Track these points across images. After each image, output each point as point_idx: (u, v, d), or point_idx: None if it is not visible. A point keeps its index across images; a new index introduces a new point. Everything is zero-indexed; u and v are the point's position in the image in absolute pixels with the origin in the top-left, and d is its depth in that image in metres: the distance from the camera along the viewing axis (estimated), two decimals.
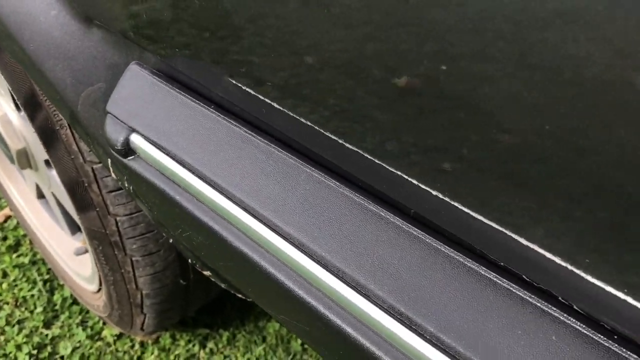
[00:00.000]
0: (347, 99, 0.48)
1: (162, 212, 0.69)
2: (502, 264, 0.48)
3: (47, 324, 1.56)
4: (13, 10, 0.78)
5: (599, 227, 0.38)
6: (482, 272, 0.47)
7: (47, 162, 1.24)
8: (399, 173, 0.48)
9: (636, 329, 0.41)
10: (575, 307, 0.45)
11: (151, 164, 0.65)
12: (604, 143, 0.34)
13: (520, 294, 0.45)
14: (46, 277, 1.65)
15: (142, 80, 0.68)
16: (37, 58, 0.78)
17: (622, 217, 0.36)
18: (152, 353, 1.50)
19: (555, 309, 0.44)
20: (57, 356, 1.49)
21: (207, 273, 0.98)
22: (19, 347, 1.49)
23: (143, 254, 1.04)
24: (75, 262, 1.42)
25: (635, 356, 0.42)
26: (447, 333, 0.46)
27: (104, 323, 1.54)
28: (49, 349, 1.50)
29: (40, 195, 1.54)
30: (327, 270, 0.52)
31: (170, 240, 0.95)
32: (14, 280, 1.64)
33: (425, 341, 0.46)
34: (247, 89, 0.57)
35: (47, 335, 1.53)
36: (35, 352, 1.49)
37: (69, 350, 1.50)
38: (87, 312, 1.58)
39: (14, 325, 1.54)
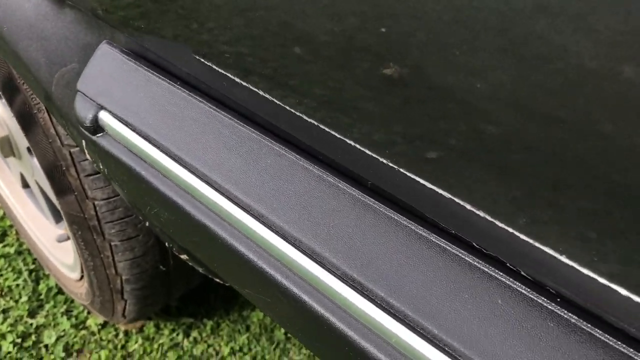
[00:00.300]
0: (302, 69, 0.49)
1: (131, 189, 0.70)
2: (452, 232, 0.49)
3: (32, 313, 1.56)
4: None
5: (548, 199, 0.39)
6: (433, 240, 0.48)
7: (29, 150, 1.25)
8: (356, 145, 0.49)
9: (578, 291, 0.42)
10: (522, 272, 0.46)
11: (119, 141, 0.66)
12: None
13: (469, 260, 0.46)
14: (32, 267, 1.66)
15: (112, 59, 0.69)
16: (11, 39, 0.79)
17: (562, 183, 0.37)
18: (136, 342, 1.50)
19: (502, 274, 0.45)
20: (42, 345, 1.50)
21: (184, 257, 0.99)
22: (3, 336, 1.49)
23: (122, 238, 1.04)
24: (58, 250, 1.43)
25: (575, 317, 0.42)
26: (397, 297, 0.47)
27: (89, 312, 1.55)
28: (33, 337, 1.51)
29: (25, 184, 1.54)
30: (284, 240, 0.52)
31: (146, 223, 0.96)
32: (0, 270, 1.65)
33: (376, 305, 0.47)
34: (211, 64, 0.57)
35: (31, 324, 1.53)
36: (19, 340, 1.49)
37: (53, 338, 1.50)
38: (72, 301, 1.58)
39: None
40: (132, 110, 0.64)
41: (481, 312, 0.44)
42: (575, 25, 0.31)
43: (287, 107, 0.52)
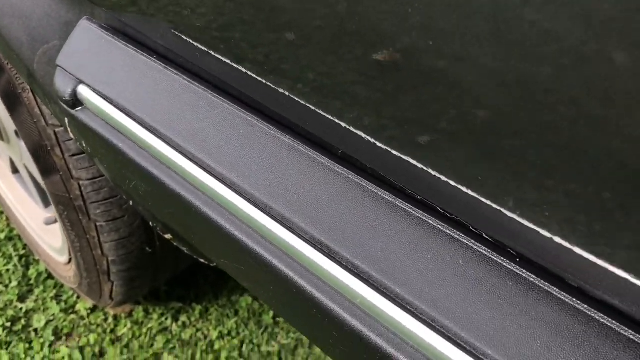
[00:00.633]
0: (265, 39, 0.50)
1: (110, 163, 0.71)
2: (418, 197, 0.50)
3: (22, 298, 1.57)
4: None
5: (507, 162, 0.40)
6: (398, 204, 0.49)
7: (17, 133, 1.25)
8: (325, 114, 0.50)
9: (538, 252, 0.44)
10: (484, 235, 0.47)
11: (97, 114, 0.67)
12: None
13: (432, 223, 0.47)
14: (22, 252, 1.66)
15: (91, 34, 0.70)
16: None
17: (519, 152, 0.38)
18: (125, 326, 1.51)
19: (464, 236, 0.46)
20: (31, 329, 1.51)
21: (168, 236, 1.00)
22: None
23: (107, 219, 1.05)
24: (47, 234, 1.43)
25: (534, 276, 0.44)
26: (362, 259, 0.48)
27: (78, 297, 1.56)
28: (22, 321, 1.52)
29: (15, 170, 1.55)
30: (255, 206, 0.53)
31: (130, 202, 0.97)
32: None
33: (342, 268, 0.48)
34: (185, 37, 0.58)
35: (21, 308, 1.54)
36: (9, 324, 1.50)
37: (43, 323, 1.51)
38: (62, 286, 1.59)
39: None
40: (110, 84, 0.65)
41: (443, 272, 0.45)
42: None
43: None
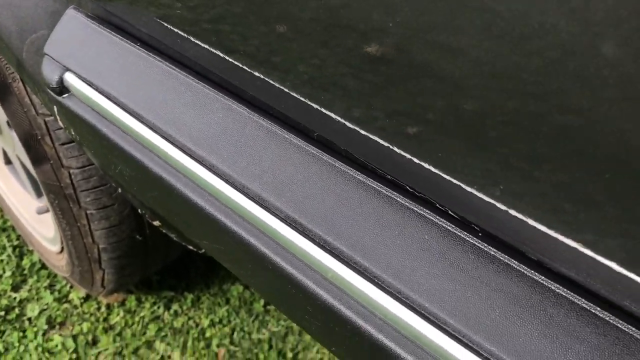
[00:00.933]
0: (244, 24, 0.52)
1: (96, 149, 0.73)
2: (389, 176, 0.52)
3: (16, 288, 1.59)
4: None
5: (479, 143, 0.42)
6: (369, 183, 0.51)
7: (8, 124, 1.27)
8: (302, 98, 0.52)
9: (501, 228, 0.46)
10: (449, 211, 0.49)
11: (83, 101, 0.68)
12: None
13: (400, 200, 0.49)
14: (15, 243, 1.68)
15: (78, 23, 0.72)
16: None
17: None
18: (118, 314, 1.53)
19: (429, 212, 0.48)
20: (25, 318, 1.53)
21: (157, 223, 1.02)
22: None
23: (97, 207, 1.07)
24: (40, 224, 1.45)
25: (494, 249, 0.46)
26: (334, 236, 0.50)
27: (71, 287, 1.58)
28: (16, 310, 1.54)
29: (8, 161, 1.57)
30: (233, 187, 0.55)
31: (119, 190, 0.99)
32: None
33: (314, 243, 0.50)
34: (166, 25, 0.60)
35: (15, 298, 1.56)
36: (3, 313, 1.52)
37: (37, 312, 1.53)
38: (55, 276, 1.61)
39: None
40: (95, 71, 0.67)
41: (409, 247, 0.48)
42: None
43: (236, 62, 0.55)
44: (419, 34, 0.40)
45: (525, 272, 0.44)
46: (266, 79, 0.53)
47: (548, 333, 0.42)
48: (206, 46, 0.58)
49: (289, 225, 0.52)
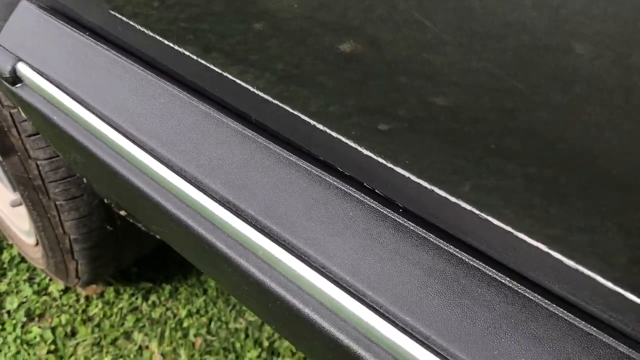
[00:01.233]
0: (188, 12, 0.53)
1: (50, 136, 0.74)
2: (321, 158, 0.53)
3: None
4: None
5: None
6: (301, 164, 0.53)
7: None
8: (239, 82, 0.53)
9: (421, 204, 0.47)
10: (376, 190, 0.51)
11: (35, 90, 0.70)
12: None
13: (328, 179, 0.51)
14: None
15: (30, 14, 0.73)
16: None
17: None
18: (97, 306, 1.55)
19: (355, 190, 0.50)
20: (4, 310, 1.54)
21: (123, 213, 1.03)
22: None
23: (66, 198, 1.09)
24: (16, 217, 1.47)
25: (413, 224, 0.48)
26: (265, 216, 0.51)
27: (51, 279, 1.59)
28: None
29: None
30: (171, 170, 0.57)
31: (84, 179, 1.00)
32: None
33: (253, 228, 0.52)
34: (115, 14, 0.62)
35: None
36: None
37: (15, 304, 1.55)
38: (34, 269, 1.62)
39: None
40: (47, 61, 0.69)
41: (334, 224, 0.49)
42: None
43: (177, 47, 0.56)
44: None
45: (442, 245, 0.46)
46: (209, 66, 0.55)
47: (460, 302, 0.44)
48: (148, 31, 0.60)
49: (224, 206, 0.53)
